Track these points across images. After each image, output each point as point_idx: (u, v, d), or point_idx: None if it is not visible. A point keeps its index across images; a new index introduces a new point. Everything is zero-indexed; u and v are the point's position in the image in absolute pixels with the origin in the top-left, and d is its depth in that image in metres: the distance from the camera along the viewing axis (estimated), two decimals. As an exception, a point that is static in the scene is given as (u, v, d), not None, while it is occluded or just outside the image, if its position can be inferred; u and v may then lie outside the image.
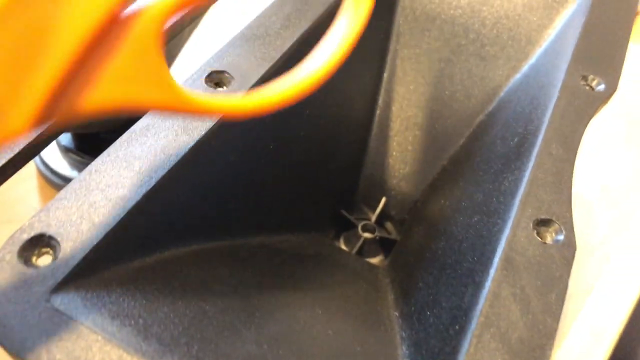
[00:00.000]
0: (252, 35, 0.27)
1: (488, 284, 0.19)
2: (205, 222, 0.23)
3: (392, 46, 0.36)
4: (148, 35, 0.14)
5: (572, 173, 0.23)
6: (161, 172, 0.20)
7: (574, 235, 0.21)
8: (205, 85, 0.24)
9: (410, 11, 0.35)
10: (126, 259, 0.20)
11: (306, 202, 0.31)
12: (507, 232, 0.21)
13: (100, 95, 0.14)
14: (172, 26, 0.28)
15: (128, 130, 0.22)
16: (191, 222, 0.22)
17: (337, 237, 0.35)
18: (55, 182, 0.38)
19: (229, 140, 0.23)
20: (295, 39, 0.27)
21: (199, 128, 0.22)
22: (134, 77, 0.15)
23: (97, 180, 0.20)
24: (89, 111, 0.14)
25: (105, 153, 0.21)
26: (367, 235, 0.34)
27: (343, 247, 0.34)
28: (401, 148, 0.36)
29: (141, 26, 0.14)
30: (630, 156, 0.47)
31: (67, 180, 0.37)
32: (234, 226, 0.24)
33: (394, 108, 0.36)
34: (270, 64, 0.26)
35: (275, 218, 0.28)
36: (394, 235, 0.35)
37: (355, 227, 0.35)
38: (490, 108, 0.34)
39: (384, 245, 0.35)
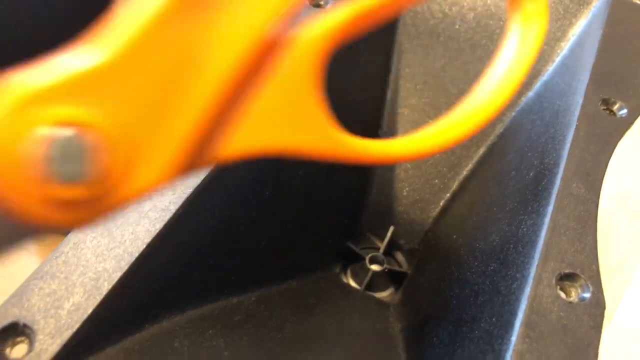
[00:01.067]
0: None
1: (509, 356, 0.17)
2: (197, 285, 0.21)
3: (394, 67, 0.34)
4: (304, 67, 0.12)
5: (596, 216, 0.21)
6: (146, 239, 0.19)
7: (602, 292, 0.19)
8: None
9: (413, 28, 0.33)
10: (113, 340, 0.18)
11: (307, 241, 0.29)
12: (527, 289, 0.19)
13: (246, 141, 0.12)
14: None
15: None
16: (182, 286, 0.21)
17: (344, 270, 0.33)
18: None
19: (220, 195, 0.21)
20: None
21: (185, 184, 0.20)
22: (286, 118, 0.12)
23: (77, 255, 0.18)
24: (231, 158, 0.12)
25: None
26: (375, 267, 0.32)
27: (351, 281, 0.33)
28: (408, 173, 0.34)
29: (297, 55, 0.11)
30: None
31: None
32: (229, 284, 0.22)
33: (398, 131, 0.34)
34: None
35: (273, 267, 0.26)
36: (404, 267, 0.33)
37: (363, 259, 0.33)
38: (501, 129, 0.32)
39: (394, 277, 0.33)
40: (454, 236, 0.30)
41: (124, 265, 0.18)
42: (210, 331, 0.20)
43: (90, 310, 0.17)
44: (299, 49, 0.11)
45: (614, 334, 0.33)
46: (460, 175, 0.32)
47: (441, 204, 0.33)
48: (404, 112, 0.34)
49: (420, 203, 0.33)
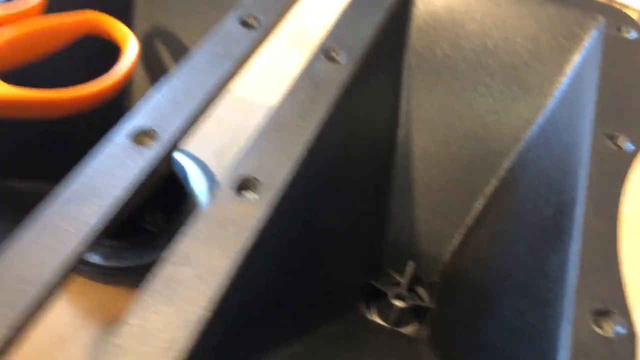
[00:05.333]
0: (272, 132, 0.26)
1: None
2: (255, 343, 0.22)
3: (402, 107, 0.35)
4: None
5: (619, 251, 0.23)
6: (206, 303, 0.20)
7: (633, 324, 0.20)
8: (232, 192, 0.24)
9: (417, 70, 0.35)
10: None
11: (337, 285, 0.31)
12: (566, 327, 0.20)
13: None
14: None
15: (162, 260, 0.21)
16: (242, 346, 0.22)
17: (368, 307, 0.34)
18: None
19: (265, 256, 0.23)
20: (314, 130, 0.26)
21: (237, 246, 0.21)
22: None
23: (140, 324, 0.19)
24: None
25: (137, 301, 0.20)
26: (399, 304, 0.34)
27: (377, 318, 0.34)
28: (424, 210, 0.35)
29: None
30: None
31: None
32: (278, 338, 0.23)
33: (410, 166, 0.35)
34: (293, 160, 0.25)
35: (312, 315, 0.27)
36: (427, 302, 0.34)
37: (386, 295, 0.34)
38: (510, 164, 0.33)
39: (418, 312, 0.34)
40: (478, 271, 0.31)
41: (185, 335, 0.19)
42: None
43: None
44: None
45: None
46: (474, 210, 0.34)
47: (459, 238, 0.34)
48: (415, 150, 0.35)
49: (437, 238, 0.35)
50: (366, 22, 0.32)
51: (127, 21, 0.40)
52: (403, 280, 0.35)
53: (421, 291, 0.36)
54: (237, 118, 0.50)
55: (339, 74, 0.29)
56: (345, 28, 0.31)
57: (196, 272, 0.21)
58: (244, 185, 0.24)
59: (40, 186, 0.36)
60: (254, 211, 0.23)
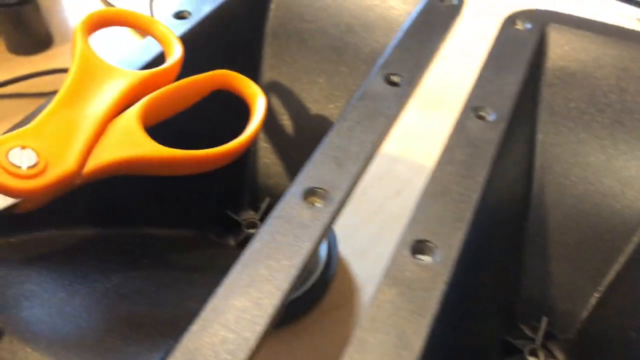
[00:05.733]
0: (437, 193, 0.26)
1: None
2: None
3: (538, 157, 0.35)
4: (131, 121, 0.26)
5: None
6: None
7: None
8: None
9: (552, 115, 0.35)
10: None
11: (472, 344, 0.30)
12: None
13: (101, 158, 0.25)
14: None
15: (355, 330, 0.21)
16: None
17: (501, 362, 0.34)
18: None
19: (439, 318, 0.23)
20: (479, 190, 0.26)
21: (427, 316, 0.21)
22: (125, 142, 0.25)
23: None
24: (95, 171, 0.24)
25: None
26: (535, 361, 0.33)
27: (514, 375, 0.33)
28: (557, 263, 0.35)
29: (127, 116, 0.26)
30: None
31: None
32: None
33: (545, 221, 0.35)
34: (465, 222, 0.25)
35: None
36: (561, 358, 0.34)
37: (521, 352, 0.34)
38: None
39: (554, 370, 0.33)
40: (619, 330, 0.30)
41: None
42: None
43: None
44: (126, 116, 0.26)
45: None
46: (614, 267, 0.33)
47: (597, 295, 0.33)
48: (549, 204, 0.35)
49: (573, 294, 0.34)
50: (509, 79, 0.32)
51: (255, 76, 0.41)
52: (536, 337, 0.34)
53: (553, 347, 0.35)
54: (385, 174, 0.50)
55: (492, 133, 0.29)
56: (489, 85, 0.32)
57: (393, 341, 0.21)
58: (419, 248, 0.24)
59: (173, 233, 0.37)
60: (434, 275, 0.23)
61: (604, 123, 0.34)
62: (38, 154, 0.23)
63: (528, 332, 0.35)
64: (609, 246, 0.34)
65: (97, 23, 0.30)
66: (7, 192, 0.22)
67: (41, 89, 0.54)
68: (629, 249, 0.33)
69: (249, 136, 0.29)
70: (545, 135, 0.35)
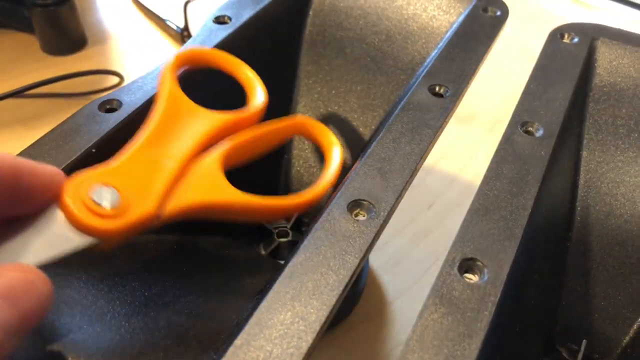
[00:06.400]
0: (485, 209, 0.26)
1: None
2: None
3: (582, 175, 0.34)
4: (212, 166, 0.25)
5: None
6: None
7: None
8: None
9: (599, 133, 0.34)
10: None
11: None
12: None
13: (181, 201, 0.24)
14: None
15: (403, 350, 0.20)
16: None
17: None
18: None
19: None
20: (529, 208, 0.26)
21: (478, 337, 0.21)
22: (204, 186, 0.25)
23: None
24: (173, 214, 0.23)
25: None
26: (575, 385, 0.32)
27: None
28: (599, 285, 0.34)
29: (208, 160, 0.25)
30: None
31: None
32: None
33: (587, 241, 0.34)
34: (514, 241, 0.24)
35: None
36: (603, 384, 0.33)
37: (560, 376, 0.32)
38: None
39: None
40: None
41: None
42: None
43: None
44: (208, 159, 0.26)
45: None
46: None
47: (637, 319, 0.32)
48: (593, 224, 0.34)
49: (615, 318, 0.33)
50: (557, 94, 0.31)
51: (292, 83, 0.41)
52: (576, 360, 0.33)
53: (593, 372, 0.34)
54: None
55: (541, 149, 0.28)
56: (536, 99, 0.31)
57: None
58: (467, 267, 0.23)
59: (206, 239, 0.36)
60: (484, 296, 0.22)
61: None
62: (120, 193, 0.22)
63: (565, 355, 0.34)
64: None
65: (184, 62, 0.29)
66: (89, 231, 0.20)
67: (75, 89, 0.54)
68: (677, 273, 0.32)
69: (324, 187, 0.28)
70: (591, 152, 0.34)
